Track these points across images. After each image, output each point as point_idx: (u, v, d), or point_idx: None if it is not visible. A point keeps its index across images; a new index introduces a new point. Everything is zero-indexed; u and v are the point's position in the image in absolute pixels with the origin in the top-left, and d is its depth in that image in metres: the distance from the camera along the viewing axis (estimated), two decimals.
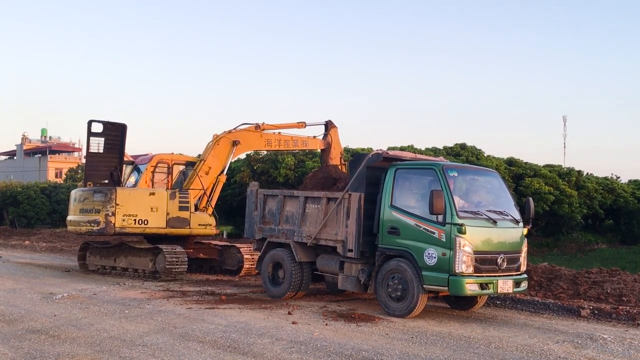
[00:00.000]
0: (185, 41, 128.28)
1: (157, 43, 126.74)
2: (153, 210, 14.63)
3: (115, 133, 14.97)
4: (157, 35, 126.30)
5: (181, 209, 14.88)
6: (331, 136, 15.93)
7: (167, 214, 14.74)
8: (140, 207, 14.52)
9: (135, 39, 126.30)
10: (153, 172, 15.55)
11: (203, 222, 15.18)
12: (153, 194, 14.85)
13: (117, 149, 15.07)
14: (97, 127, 14.82)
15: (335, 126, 16.08)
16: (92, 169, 15.04)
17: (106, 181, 15.03)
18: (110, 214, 14.17)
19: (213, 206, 15.68)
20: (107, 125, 14.89)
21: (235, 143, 15.29)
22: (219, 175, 15.54)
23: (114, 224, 14.17)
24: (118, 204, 14.24)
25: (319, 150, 16.45)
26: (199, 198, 15.41)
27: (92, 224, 14.39)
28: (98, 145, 14.84)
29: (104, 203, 14.30)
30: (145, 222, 14.53)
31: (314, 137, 16.14)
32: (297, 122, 15.95)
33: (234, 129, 15.44)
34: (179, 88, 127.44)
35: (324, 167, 14.42)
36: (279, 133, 15.90)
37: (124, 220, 14.27)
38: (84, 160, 74.26)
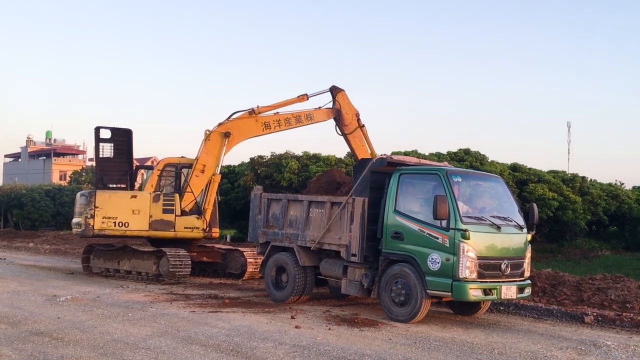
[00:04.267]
0: (191, 42, 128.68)
1: (162, 45, 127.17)
2: (135, 212, 14.69)
3: (122, 138, 15.36)
4: (161, 38, 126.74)
5: (165, 211, 14.78)
6: (339, 101, 14.79)
7: (150, 216, 14.74)
8: (120, 209, 14.67)
9: (140, 41, 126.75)
10: (160, 175, 15.52)
11: (189, 225, 14.86)
12: (135, 196, 14.94)
13: (126, 153, 15.45)
14: (105, 133, 15.25)
15: (341, 89, 14.82)
16: (104, 173, 15.39)
17: (123, 185, 15.42)
18: (89, 216, 14.58)
19: (211, 208, 15.16)
20: (114, 131, 15.32)
21: (226, 135, 14.67)
22: (213, 175, 14.97)
23: (93, 226, 14.52)
24: (97, 207, 14.57)
25: (333, 120, 15.07)
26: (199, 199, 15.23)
27: (77, 226, 14.97)
28: (107, 150, 15.28)
29: (85, 206, 14.75)
30: (126, 225, 14.66)
31: (319, 107, 14.95)
32: (298, 96, 14.83)
33: (226, 119, 14.81)
34: (184, 90, 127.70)
35: (327, 171, 14.38)
36: (277, 113, 14.90)
37: (103, 222, 14.56)
38: (89, 163, 74.36)
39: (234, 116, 14.86)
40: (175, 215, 14.78)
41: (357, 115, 14.98)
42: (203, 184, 14.99)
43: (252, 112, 14.69)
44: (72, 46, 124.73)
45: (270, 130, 14.94)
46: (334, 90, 14.86)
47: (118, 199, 14.85)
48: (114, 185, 15.46)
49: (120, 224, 14.64)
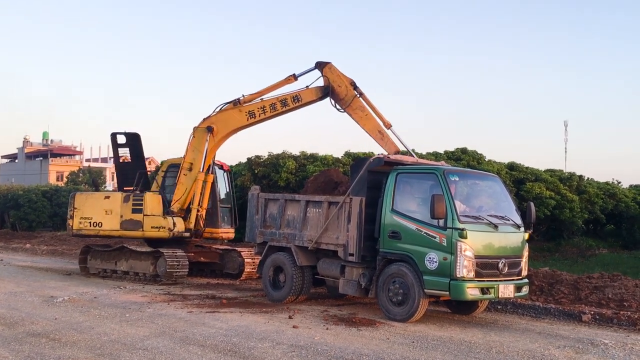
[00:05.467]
0: (191, 42, 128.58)
1: (162, 45, 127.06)
2: (107, 213, 15.12)
3: (134, 142, 15.85)
4: (161, 38, 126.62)
5: (134, 211, 14.91)
6: (327, 76, 13.23)
7: (121, 216, 14.98)
8: (95, 210, 15.25)
9: (140, 41, 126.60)
10: (164, 176, 15.58)
11: (156, 225, 14.74)
12: (108, 197, 15.45)
13: (140, 156, 15.96)
14: (121, 139, 15.85)
15: (327, 62, 13.30)
16: (124, 177, 15.93)
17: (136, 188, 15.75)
18: (69, 217, 15.63)
19: (197, 207, 14.91)
20: (127, 135, 15.85)
21: (208, 129, 14.21)
22: (199, 172, 14.63)
23: (72, 226, 15.47)
24: (75, 208, 15.44)
25: (330, 99, 13.41)
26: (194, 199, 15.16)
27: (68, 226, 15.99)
28: (124, 154, 16.00)
29: (68, 207, 15.79)
30: (100, 225, 15.19)
31: (307, 87, 13.49)
32: (286, 78, 13.58)
33: (212, 113, 14.28)
34: (184, 90, 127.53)
35: (325, 171, 14.32)
36: (262, 99, 13.84)
37: (80, 222, 15.35)
38: (85, 164, 74.15)
39: (220, 108, 14.26)
40: (144, 215, 14.83)
41: (352, 83, 13.18)
42: (189, 182, 14.82)
43: (237, 102, 13.96)
44: (72, 46, 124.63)
45: (256, 119, 13.94)
46: (320, 66, 13.34)
47: (93, 200, 15.53)
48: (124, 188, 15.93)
49: (95, 224, 15.22)
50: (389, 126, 13.03)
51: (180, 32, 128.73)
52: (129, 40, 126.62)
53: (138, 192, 15.28)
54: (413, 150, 14.79)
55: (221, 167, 16.52)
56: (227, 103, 14.17)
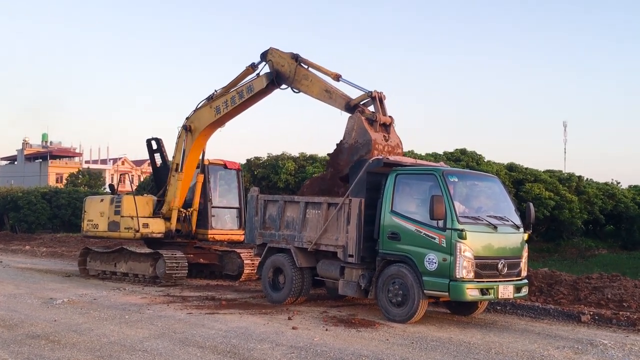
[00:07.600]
0: (191, 42, 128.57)
1: (161, 45, 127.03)
2: (102, 215, 15.69)
3: (161, 147, 16.44)
4: (161, 38, 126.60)
5: (115, 213, 15.29)
6: (271, 59, 12.74)
7: (108, 218, 15.49)
8: (95, 212, 15.92)
9: (140, 41, 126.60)
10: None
11: (127, 226, 15.01)
12: (102, 200, 16.02)
13: (163, 160, 16.50)
14: (154, 144, 16.40)
15: (268, 49, 12.91)
16: (161, 181, 16.30)
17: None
18: (82, 219, 16.56)
19: (194, 207, 15.41)
20: (157, 141, 16.41)
21: (185, 128, 14.61)
22: (178, 173, 14.98)
23: (83, 228, 16.38)
24: (85, 211, 16.30)
25: (280, 87, 12.89)
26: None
27: None
28: (157, 159, 16.57)
29: (82, 210, 16.69)
30: (97, 226, 15.80)
31: (257, 75, 13.15)
32: (245, 69, 13.36)
33: (192, 112, 14.57)
34: (184, 90, 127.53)
35: (324, 173, 14.30)
36: (227, 93, 13.72)
37: (87, 224, 16.13)
38: (85, 165, 74.32)
39: (198, 106, 14.42)
40: (121, 217, 15.15)
41: (294, 57, 12.42)
42: (178, 183, 15.06)
43: (210, 98, 14.05)
44: (72, 46, 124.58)
45: (221, 114, 13.86)
46: (264, 56, 12.97)
47: (95, 204, 16.15)
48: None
49: (94, 226, 15.90)
50: (336, 78, 11.91)
51: (180, 32, 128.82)
52: (129, 40, 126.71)
53: (117, 194, 15.81)
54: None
55: (225, 166, 16.47)
56: (204, 100, 14.33)
